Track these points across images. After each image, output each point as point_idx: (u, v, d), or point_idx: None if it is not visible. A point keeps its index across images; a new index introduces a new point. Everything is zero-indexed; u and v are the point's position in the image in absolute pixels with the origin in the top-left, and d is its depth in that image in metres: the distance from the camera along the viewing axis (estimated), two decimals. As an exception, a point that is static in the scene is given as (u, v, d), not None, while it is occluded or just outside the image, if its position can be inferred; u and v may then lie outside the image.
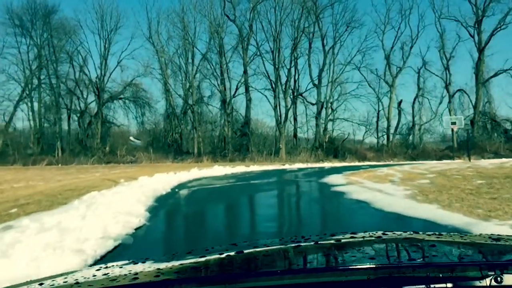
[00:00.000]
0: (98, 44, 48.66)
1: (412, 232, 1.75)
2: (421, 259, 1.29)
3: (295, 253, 1.53)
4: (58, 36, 48.33)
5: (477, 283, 1.10)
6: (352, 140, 47.09)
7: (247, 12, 46.05)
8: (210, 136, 50.77)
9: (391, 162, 34.36)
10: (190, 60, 48.50)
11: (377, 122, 46.87)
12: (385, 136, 45.74)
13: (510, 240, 1.63)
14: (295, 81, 46.02)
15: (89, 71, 48.30)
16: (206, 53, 48.12)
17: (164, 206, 9.53)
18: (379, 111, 46.87)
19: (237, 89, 47.37)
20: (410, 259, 1.33)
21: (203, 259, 1.41)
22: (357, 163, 35.30)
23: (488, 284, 1.09)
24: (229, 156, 42.66)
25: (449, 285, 1.10)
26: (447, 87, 43.37)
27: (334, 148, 42.58)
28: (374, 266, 1.17)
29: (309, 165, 31.82)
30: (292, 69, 45.23)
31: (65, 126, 50.16)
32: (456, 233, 1.82)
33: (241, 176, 19.82)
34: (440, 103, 44.44)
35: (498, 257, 1.42)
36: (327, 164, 33.08)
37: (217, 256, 1.44)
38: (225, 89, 46.95)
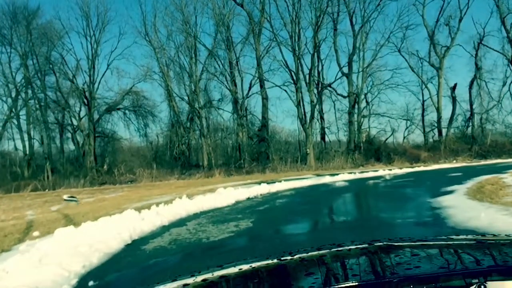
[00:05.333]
0: (84, 46, 41.47)
1: (395, 239, 1.72)
2: (405, 271, 1.25)
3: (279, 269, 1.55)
4: (41, 43, 41.34)
5: None
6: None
7: (256, -7, 38.25)
8: (222, 145, 43.30)
9: (483, 163, 25.80)
10: (194, 58, 40.94)
11: (422, 114, 38.48)
12: (436, 131, 37.27)
13: (494, 243, 1.62)
14: (318, 73, 38.00)
15: (75, 78, 41.07)
16: (212, 49, 40.50)
17: None
18: (424, 101, 38.51)
19: (250, 87, 39.68)
20: (392, 272, 1.30)
21: None
22: (410, 167, 26.93)
23: None
24: (245, 168, 34.83)
25: None
26: (512, 63, 34.69)
27: (375, 149, 34.49)
28: (356, 283, 1.16)
29: (357, 174, 22.79)
30: (316, 57, 37.07)
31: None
32: (442, 237, 1.76)
33: (264, 208, 11.88)
34: (504, 85, 35.80)
35: (481, 263, 1.34)
36: (383, 172, 23.94)
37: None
38: (236, 88, 39.17)
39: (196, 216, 10.26)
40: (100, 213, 12.43)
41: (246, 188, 16.25)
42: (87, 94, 40.94)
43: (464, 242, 1.70)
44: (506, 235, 1.80)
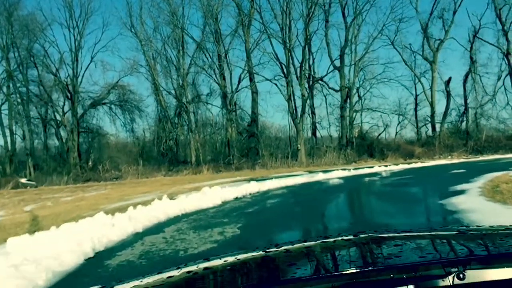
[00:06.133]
0: (67, 38, 39.90)
1: (380, 230, 1.74)
2: (386, 261, 1.28)
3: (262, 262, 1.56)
4: (23, 35, 39.71)
5: (441, 282, 1.09)
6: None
7: (245, -18, 36.98)
8: (211, 141, 42.12)
9: (481, 158, 24.92)
10: (181, 51, 39.61)
11: (415, 109, 37.62)
12: (429, 126, 36.42)
13: (475, 233, 1.65)
14: (309, 66, 36.87)
15: (58, 72, 39.55)
16: (201, 41, 39.21)
17: None
18: (417, 95, 37.65)
19: (240, 81, 38.45)
20: (375, 262, 1.35)
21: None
22: (405, 163, 25.98)
23: (451, 282, 1.09)
24: (234, 164, 33.69)
25: (412, 286, 1.08)
26: (507, 56, 33.83)
27: (368, 145, 33.53)
28: (337, 274, 1.20)
29: (351, 171, 21.45)
30: (307, 50, 35.93)
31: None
32: (426, 228, 1.80)
33: (254, 210, 10.74)
34: (499, 79, 34.99)
35: (461, 252, 1.39)
36: (379, 168, 22.64)
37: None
38: (225, 82, 37.95)
39: (176, 220, 9.13)
40: (72, 215, 11.35)
41: (234, 187, 15.11)
42: (70, 88, 39.54)
43: (446, 233, 1.71)
44: (489, 226, 1.82)
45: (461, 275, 1.08)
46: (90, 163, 41.98)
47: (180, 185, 21.63)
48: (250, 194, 14.01)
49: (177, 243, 6.62)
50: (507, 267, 1.12)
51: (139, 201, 14.24)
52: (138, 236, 7.29)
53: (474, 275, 1.10)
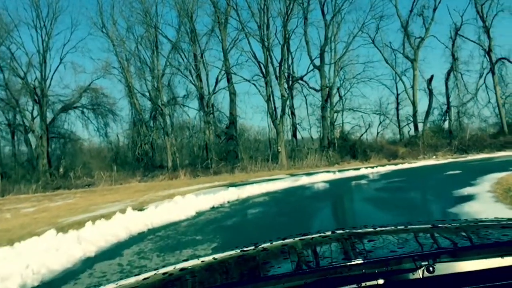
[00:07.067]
0: (35, 39, 37.87)
1: (358, 227, 1.76)
2: (359, 256, 1.29)
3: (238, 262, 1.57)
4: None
5: (411, 275, 1.11)
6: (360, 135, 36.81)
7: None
8: (188, 145, 40.70)
9: (469, 158, 24.00)
10: (156, 52, 38.08)
11: (397, 108, 36.86)
12: (412, 126, 35.66)
13: (448, 227, 1.65)
14: (288, 66, 35.77)
15: (25, 74, 37.54)
16: (176, 41, 37.72)
17: None
18: (398, 94, 36.92)
19: (217, 82, 37.05)
20: (348, 257, 1.34)
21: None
22: (392, 164, 24.96)
23: (421, 275, 1.10)
24: (213, 168, 32.26)
25: (382, 281, 1.10)
26: (489, 53, 33.24)
27: (350, 146, 32.47)
28: (309, 270, 1.24)
29: (336, 173, 19.88)
30: (286, 49, 34.77)
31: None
32: (404, 223, 1.75)
33: (232, 223, 9.30)
34: (481, 76, 34.43)
35: (432, 246, 1.41)
36: (365, 170, 21.15)
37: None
38: (201, 83, 36.53)
39: (140, 238, 7.71)
40: (22, 232, 9.94)
41: (211, 194, 13.69)
42: (38, 91, 37.55)
43: (420, 227, 1.72)
44: (465, 219, 1.95)
45: (430, 268, 1.09)
46: (61, 170, 40.24)
47: (154, 192, 20.21)
48: (228, 202, 12.61)
49: (135, 273, 5.27)
50: (475, 259, 1.13)
51: (104, 212, 12.81)
52: (87, 264, 5.86)
53: (444, 267, 1.11)
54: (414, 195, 11.56)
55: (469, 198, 8.73)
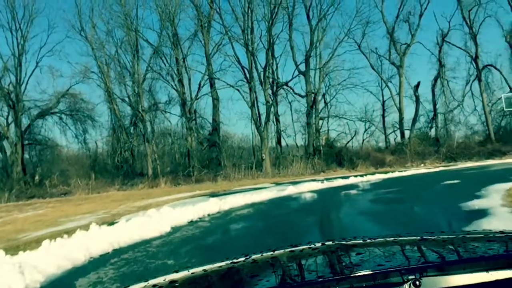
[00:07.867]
0: (10, 42, 36.35)
1: (347, 238, 1.74)
2: (347, 269, 1.29)
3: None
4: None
5: None
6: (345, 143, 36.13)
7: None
8: (171, 152, 39.60)
9: (461, 166, 23.23)
10: (136, 56, 36.94)
11: (383, 115, 36.28)
12: (398, 133, 35.10)
13: (436, 240, 1.63)
14: (273, 71, 34.96)
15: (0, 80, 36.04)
16: (158, 46, 36.66)
17: None
18: (384, 101, 36.36)
19: (200, 87, 36.04)
20: (336, 271, 1.35)
21: None
22: (381, 172, 24.14)
23: None
24: (195, 176, 31.13)
25: None
26: (476, 60, 32.86)
27: (336, 153, 31.69)
28: (296, 284, 1.23)
29: (324, 182, 18.80)
30: (270, 54, 33.94)
31: None
32: (393, 235, 1.73)
33: (212, 242, 8.11)
34: (467, 83, 34.06)
35: (419, 260, 1.40)
36: (355, 179, 19.94)
37: None
38: (184, 88, 35.49)
39: (101, 262, 6.60)
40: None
41: (190, 205, 12.57)
42: (12, 96, 36.02)
43: (409, 239, 1.69)
44: (453, 231, 1.86)
45: (417, 282, 1.08)
46: (36, 177, 38.73)
47: (131, 202, 19.08)
48: (208, 215, 11.51)
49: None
50: (461, 273, 1.13)
51: (71, 227, 11.65)
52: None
53: (430, 282, 1.10)
54: (418, 209, 10.41)
55: (483, 213, 7.70)
